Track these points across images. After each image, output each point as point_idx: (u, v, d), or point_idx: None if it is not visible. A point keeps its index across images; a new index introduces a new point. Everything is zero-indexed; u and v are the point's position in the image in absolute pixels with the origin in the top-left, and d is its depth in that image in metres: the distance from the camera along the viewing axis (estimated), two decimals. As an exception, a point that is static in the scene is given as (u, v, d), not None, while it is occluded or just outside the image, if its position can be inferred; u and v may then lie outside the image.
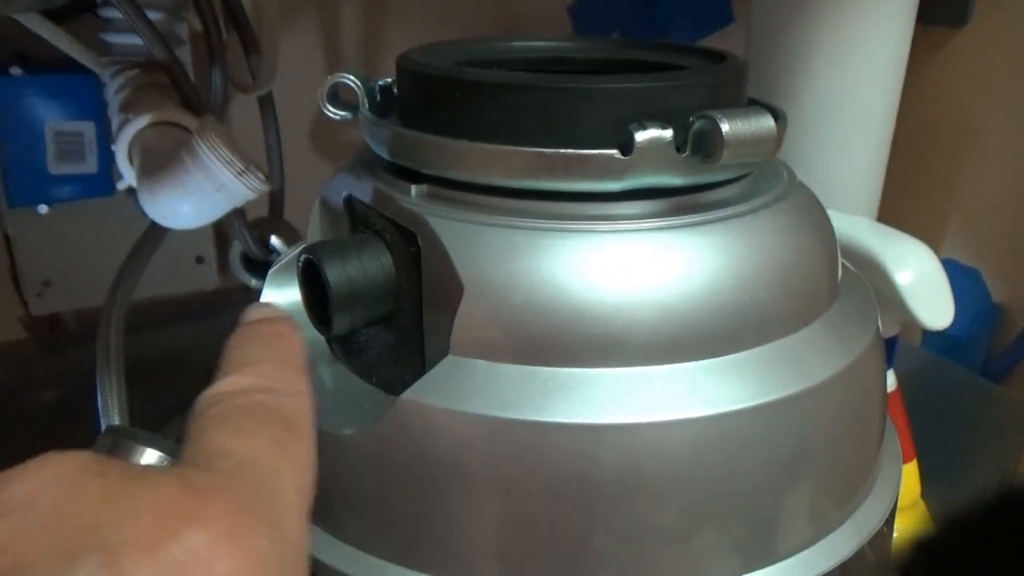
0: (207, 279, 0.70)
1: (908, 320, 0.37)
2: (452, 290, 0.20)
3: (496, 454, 0.19)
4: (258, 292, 0.60)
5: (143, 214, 0.60)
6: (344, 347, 0.25)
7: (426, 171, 0.22)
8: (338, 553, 0.21)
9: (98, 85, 0.55)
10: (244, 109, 0.62)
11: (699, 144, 0.20)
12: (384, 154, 0.23)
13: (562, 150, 0.20)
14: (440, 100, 0.22)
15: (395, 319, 0.23)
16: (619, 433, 0.19)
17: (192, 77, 0.53)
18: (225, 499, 0.13)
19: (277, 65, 0.53)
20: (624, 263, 0.20)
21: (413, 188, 0.22)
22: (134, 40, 0.50)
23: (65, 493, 0.12)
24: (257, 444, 0.15)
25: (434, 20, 0.75)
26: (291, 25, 0.71)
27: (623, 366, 0.20)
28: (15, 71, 0.53)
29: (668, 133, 0.20)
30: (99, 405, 0.46)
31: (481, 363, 0.20)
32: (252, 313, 0.19)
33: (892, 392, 0.41)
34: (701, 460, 0.20)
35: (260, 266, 0.59)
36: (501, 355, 0.20)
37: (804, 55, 0.42)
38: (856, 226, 0.40)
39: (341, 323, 0.22)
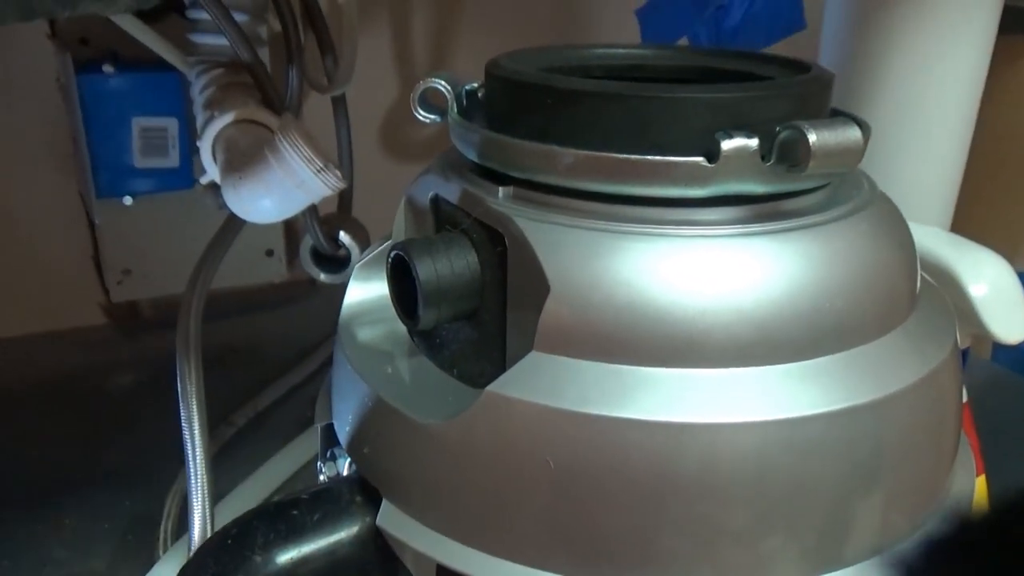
0: (276, 272, 0.73)
1: (981, 333, 0.36)
2: (538, 289, 0.21)
3: (576, 448, 0.20)
4: (326, 286, 0.62)
5: (220, 207, 0.63)
6: (427, 341, 0.26)
7: (513, 174, 0.23)
8: (420, 536, 0.22)
9: (182, 83, 0.57)
10: (316, 107, 0.64)
11: (784, 153, 0.20)
12: (472, 156, 0.24)
13: (649, 157, 0.21)
14: (530, 106, 0.23)
15: (478, 315, 0.24)
16: (697, 432, 0.20)
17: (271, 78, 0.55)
18: None
19: (354, 67, 0.55)
20: (705, 267, 0.21)
21: (500, 190, 0.23)
22: (220, 41, 0.52)
23: None
24: None
25: (504, 24, 0.76)
26: (363, 26, 0.72)
27: (703, 367, 0.21)
28: (107, 68, 0.55)
29: (754, 142, 0.20)
30: (178, 390, 0.48)
31: (564, 359, 0.21)
32: None
33: (963, 404, 0.41)
34: (775, 462, 0.20)
35: (329, 260, 0.61)
36: (584, 352, 0.21)
37: (880, 63, 0.42)
38: (930, 236, 0.39)
39: (428, 318, 0.23)
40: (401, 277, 0.23)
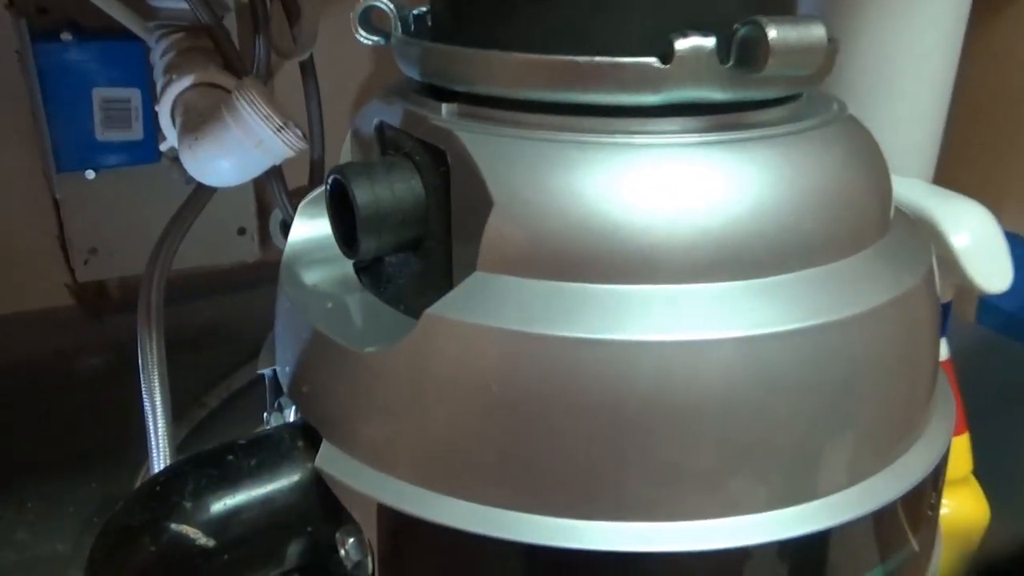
0: (249, 251, 0.71)
1: (964, 283, 0.35)
2: (481, 205, 0.19)
3: (524, 370, 0.19)
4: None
5: (188, 182, 0.61)
6: (372, 276, 0.24)
7: (457, 87, 0.22)
8: (360, 476, 0.21)
9: (145, 52, 0.56)
10: (288, 82, 0.62)
11: (744, 54, 0.19)
12: (415, 74, 0.23)
13: (597, 58, 0.19)
14: (471, 11, 0.21)
15: (423, 245, 0.22)
16: (652, 350, 0.18)
17: (237, 46, 0.53)
18: None
19: (317, 29, 0.53)
20: (660, 178, 0.19)
21: (444, 107, 0.22)
22: (180, 4, 0.51)
23: None
24: None
25: None
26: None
27: (658, 284, 0.19)
28: (65, 36, 0.54)
29: (711, 41, 0.19)
30: (139, 370, 0.46)
31: (510, 279, 0.19)
32: None
33: (944, 362, 0.39)
34: (737, 382, 0.19)
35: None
36: (530, 271, 0.19)
37: (856, 15, 0.41)
38: (911, 187, 0.38)
39: (368, 246, 0.21)
40: (340, 205, 0.22)
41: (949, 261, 0.35)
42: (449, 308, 0.19)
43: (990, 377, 0.46)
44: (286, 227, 0.60)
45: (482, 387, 0.19)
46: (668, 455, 0.19)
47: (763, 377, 0.19)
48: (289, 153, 0.42)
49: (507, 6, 0.20)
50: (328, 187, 0.22)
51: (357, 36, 0.24)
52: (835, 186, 0.20)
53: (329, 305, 0.23)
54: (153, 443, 0.45)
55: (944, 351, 0.39)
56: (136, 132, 0.58)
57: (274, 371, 0.26)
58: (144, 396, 0.46)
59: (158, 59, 0.50)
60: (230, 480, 0.22)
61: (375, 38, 0.24)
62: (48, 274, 0.66)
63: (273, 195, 0.57)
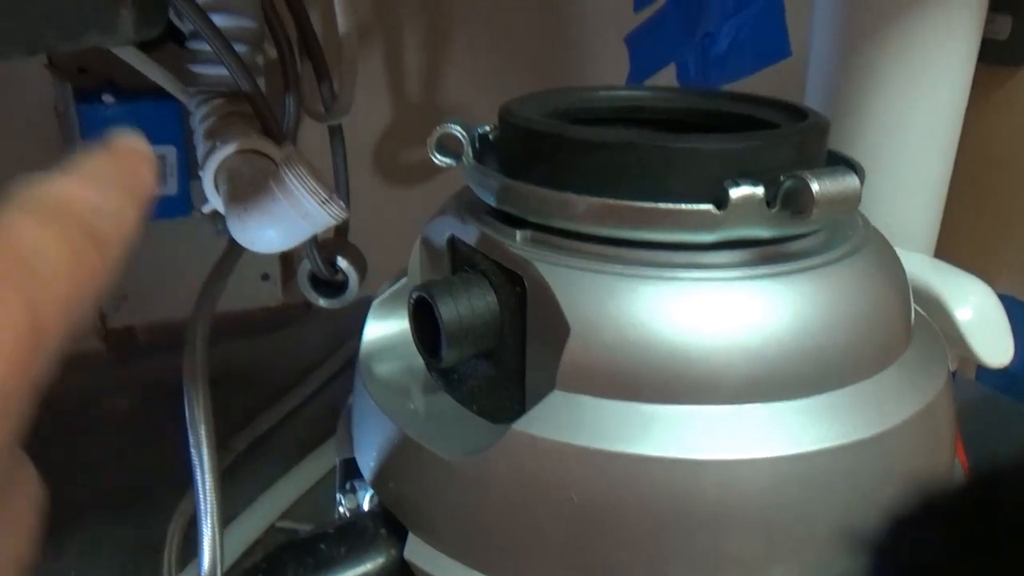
0: (272, 295, 0.73)
1: (968, 356, 0.38)
2: (559, 330, 0.22)
3: (596, 483, 0.21)
4: (322, 310, 0.62)
5: (218, 234, 0.63)
6: (446, 376, 0.27)
7: (530, 218, 0.24)
8: (446, 568, 0.23)
9: (180, 111, 0.58)
10: (309, 132, 0.64)
11: (789, 201, 0.22)
12: (490, 201, 0.25)
13: (660, 204, 0.22)
14: (545, 154, 0.24)
15: (496, 352, 0.25)
16: (712, 468, 0.21)
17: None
18: None
19: (353, 99, 0.56)
20: (715, 309, 0.22)
21: (518, 234, 0.24)
22: (219, 71, 0.53)
23: None
24: (48, 235, 0.14)
25: (496, 47, 0.77)
26: (358, 51, 0.73)
27: (714, 403, 0.22)
28: (107, 99, 0.56)
29: (760, 190, 0.22)
30: (186, 415, 0.48)
31: (584, 398, 0.22)
32: (118, 141, 0.17)
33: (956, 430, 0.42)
34: (784, 495, 0.21)
35: (326, 285, 0.62)
36: (602, 391, 0.22)
37: (864, 92, 0.44)
38: (915, 262, 0.41)
39: (450, 357, 0.24)
40: (423, 317, 0.24)
41: (953, 335, 0.38)
42: (533, 424, 0.22)
43: (991, 435, 0.49)
44: (314, 278, 0.62)
45: (563, 497, 0.21)
46: (721, 549, 0.21)
47: (809, 488, 0.21)
48: (332, 223, 0.45)
49: (580, 155, 0.23)
50: (412, 302, 0.25)
51: (432, 158, 0.27)
52: (865, 312, 0.23)
53: (411, 407, 0.26)
54: (201, 496, 0.47)
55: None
56: (171, 187, 0.60)
57: (349, 458, 0.28)
58: (192, 449, 0.48)
59: (198, 124, 0.53)
60: (325, 567, 0.24)
61: (448, 160, 0.27)
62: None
63: (302, 248, 0.59)
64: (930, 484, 0.24)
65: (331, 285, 0.63)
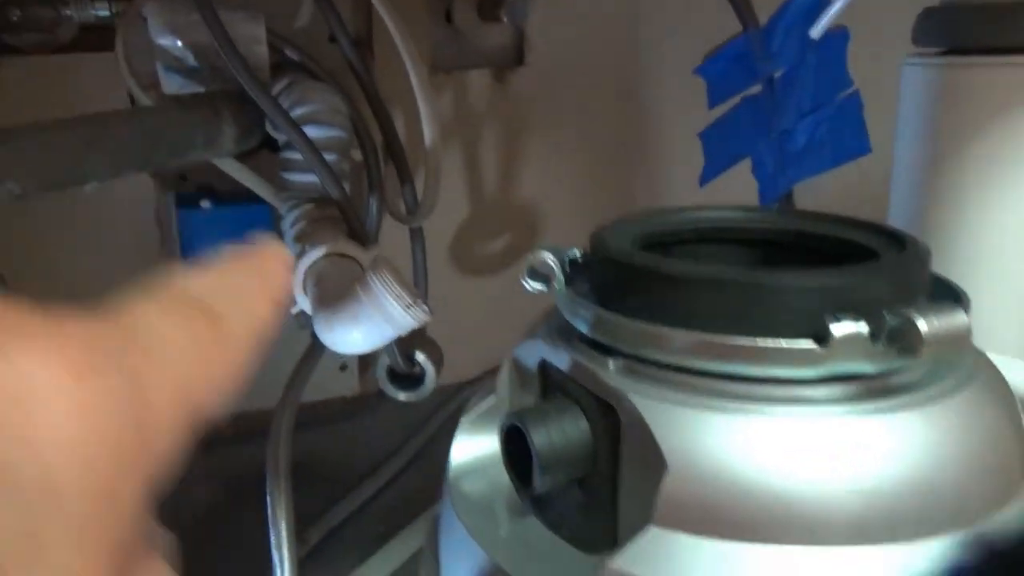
0: (348, 385, 0.75)
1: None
2: (654, 465, 0.22)
3: (699, 628, 0.21)
4: (400, 403, 0.63)
5: (302, 327, 0.65)
6: (536, 501, 0.27)
7: (624, 349, 0.24)
8: None
9: (272, 214, 0.61)
10: (389, 229, 0.66)
11: (895, 338, 0.21)
12: (583, 329, 0.26)
13: (759, 341, 0.22)
14: (639, 287, 0.24)
15: (589, 480, 0.25)
16: (822, 617, 0.20)
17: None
18: (89, 336, 0.12)
19: (436, 203, 0.58)
20: (818, 447, 0.21)
21: (611, 363, 0.24)
22: (310, 178, 0.56)
23: None
24: (168, 321, 0.13)
25: (568, 144, 0.79)
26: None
27: (819, 545, 0.21)
28: (205, 204, 0.59)
29: (864, 327, 0.21)
30: (268, 511, 0.49)
31: (682, 536, 0.21)
32: (261, 246, 0.17)
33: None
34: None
35: (404, 378, 0.63)
36: (701, 529, 0.21)
37: (954, 193, 0.43)
38: (1015, 371, 0.39)
39: (543, 485, 0.24)
40: (515, 444, 0.24)
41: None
42: (629, 561, 0.21)
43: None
44: (391, 371, 0.63)
45: (663, 641, 0.21)
46: None
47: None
48: (415, 326, 0.46)
49: (675, 288, 0.23)
50: (504, 430, 0.25)
51: (524, 285, 0.27)
52: (978, 448, 0.22)
53: (500, 532, 0.26)
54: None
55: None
56: (259, 285, 0.62)
57: (437, 578, 0.28)
58: (272, 541, 0.48)
59: (289, 228, 0.55)
60: None
61: (539, 286, 0.27)
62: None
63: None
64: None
65: (409, 378, 0.64)
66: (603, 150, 0.81)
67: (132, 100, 0.58)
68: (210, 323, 0.14)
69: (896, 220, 0.46)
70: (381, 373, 0.65)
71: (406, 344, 0.62)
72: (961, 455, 0.22)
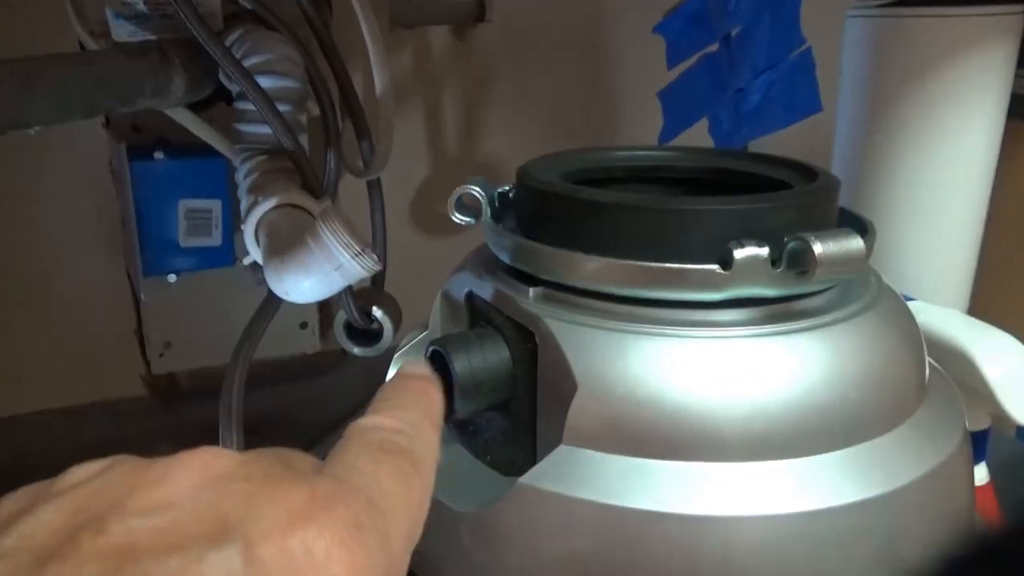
0: (309, 343, 0.75)
1: (998, 414, 0.37)
2: (566, 386, 0.23)
3: (602, 537, 0.21)
4: (357, 357, 0.64)
5: (259, 284, 0.65)
6: (460, 428, 0.27)
7: (542, 276, 0.25)
8: (456, 620, 0.23)
9: (226, 167, 0.61)
10: (349, 186, 0.66)
11: (793, 261, 0.22)
12: (505, 259, 0.26)
13: (668, 264, 0.23)
14: (557, 214, 0.25)
15: (509, 406, 0.25)
16: (717, 525, 0.21)
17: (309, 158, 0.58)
18: (346, 509, 0.15)
19: (389, 155, 0.58)
20: (722, 368, 0.22)
21: (531, 291, 0.25)
22: (263, 130, 0.55)
23: (217, 491, 0.15)
24: (383, 470, 0.17)
25: (528, 102, 0.79)
26: (395, 106, 0.76)
27: (721, 461, 0.22)
28: (158, 156, 0.59)
29: (764, 251, 0.22)
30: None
31: (592, 453, 0.22)
32: (407, 368, 0.21)
33: (984, 486, 0.41)
34: (791, 554, 0.21)
35: (362, 334, 0.63)
36: (609, 447, 0.22)
37: (893, 149, 0.44)
38: (946, 319, 0.40)
39: (463, 409, 0.25)
40: (439, 370, 0.25)
41: (984, 392, 0.37)
42: (540, 478, 0.22)
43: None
44: (349, 327, 0.64)
45: (568, 550, 0.22)
46: (730, 607, 0.21)
47: (817, 547, 0.21)
48: (364, 275, 0.46)
49: (591, 216, 0.24)
50: (427, 355, 0.25)
51: (452, 217, 0.28)
52: (875, 370, 0.23)
53: (425, 457, 0.26)
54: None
55: (983, 475, 0.41)
56: (215, 239, 0.62)
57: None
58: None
59: (242, 179, 0.55)
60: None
61: (468, 219, 0.28)
62: (124, 366, 0.70)
63: (338, 297, 0.60)
64: (947, 542, 0.24)
65: (366, 334, 0.64)
66: (564, 106, 0.81)
67: (82, 48, 0.57)
68: (410, 464, 0.17)
69: (838, 167, 0.47)
70: (339, 328, 0.66)
71: (364, 300, 0.62)
72: (857, 377, 0.23)
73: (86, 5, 0.54)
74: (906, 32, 0.41)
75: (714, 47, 0.66)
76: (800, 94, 0.61)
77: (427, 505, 0.18)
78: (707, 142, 0.65)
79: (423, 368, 0.21)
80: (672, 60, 0.69)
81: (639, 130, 0.79)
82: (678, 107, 0.71)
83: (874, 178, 0.43)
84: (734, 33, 0.62)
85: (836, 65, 0.51)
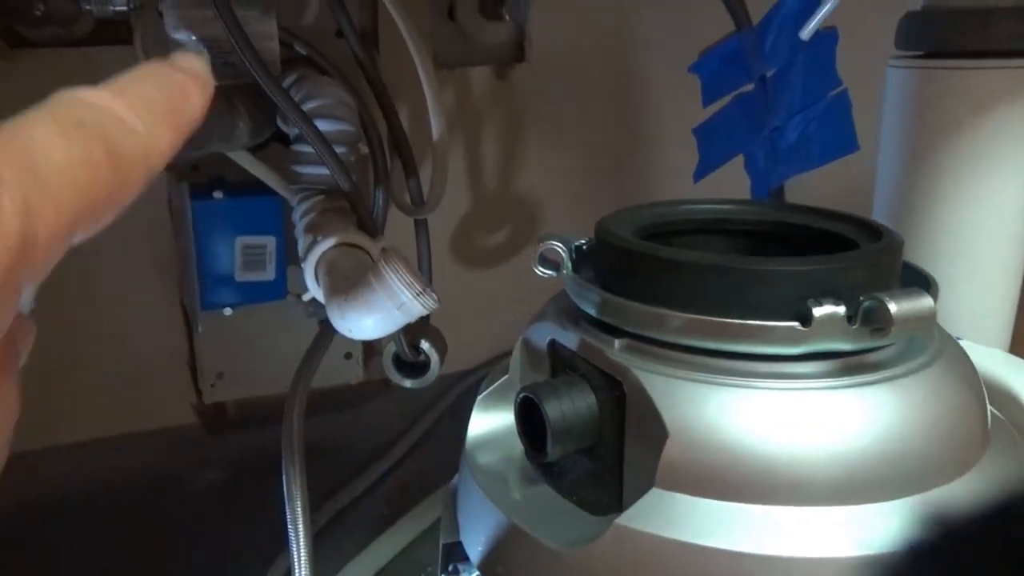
0: (353, 373, 0.77)
1: (1046, 452, 0.39)
2: (657, 433, 0.24)
3: (694, 575, 0.23)
4: (397, 386, 0.65)
5: (309, 316, 0.68)
6: (547, 469, 0.29)
7: (627, 329, 0.27)
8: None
9: (281, 205, 0.63)
10: (393, 220, 0.69)
11: (868, 318, 0.24)
12: (590, 311, 0.28)
13: (751, 321, 0.24)
14: (641, 271, 0.27)
15: (596, 449, 0.27)
16: (801, 565, 0.23)
17: (358, 196, 0.60)
18: None
19: (442, 197, 0.60)
20: (800, 418, 0.24)
21: (616, 342, 0.27)
22: (320, 170, 0.58)
23: None
24: (60, 144, 0.13)
25: (566, 139, 0.81)
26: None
27: (801, 505, 0.24)
28: (218, 195, 0.61)
29: (841, 309, 0.24)
30: (284, 488, 0.51)
31: (681, 496, 0.24)
32: (178, 58, 0.17)
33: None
34: (873, 591, 0.23)
35: (410, 366, 0.65)
36: (697, 490, 0.24)
37: (933, 193, 0.46)
38: (990, 358, 0.42)
39: (555, 453, 0.26)
40: (529, 415, 0.27)
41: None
42: (636, 519, 0.24)
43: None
44: (397, 359, 0.66)
45: (663, 588, 0.23)
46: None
47: (894, 587, 0.23)
48: (424, 313, 0.48)
49: (676, 275, 0.26)
50: (519, 401, 0.27)
51: (536, 271, 0.30)
52: (942, 420, 0.25)
53: (517, 497, 0.28)
54: (295, 559, 0.49)
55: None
56: (269, 274, 0.64)
57: (454, 542, 0.31)
58: (288, 517, 0.51)
59: (299, 219, 0.57)
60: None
61: (550, 272, 0.30)
62: (176, 395, 0.73)
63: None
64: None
65: (414, 366, 0.66)
66: (601, 144, 0.83)
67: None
68: (106, 148, 0.14)
69: (880, 213, 0.49)
70: (387, 361, 0.68)
71: (412, 333, 0.64)
72: (925, 427, 0.25)
73: (153, 53, 0.57)
74: (946, 83, 0.43)
75: (749, 86, 0.68)
76: (836, 134, 0.62)
77: (113, 207, 0.15)
78: (742, 180, 0.67)
79: (196, 63, 0.17)
80: (707, 99, 0.71)
81: (674, 164, 0.81)
82: (713, 145, 0.73)
83: (917, 223, 0.45)
84: (770, 74, 0.64)
85: (874, 106, 0.53)
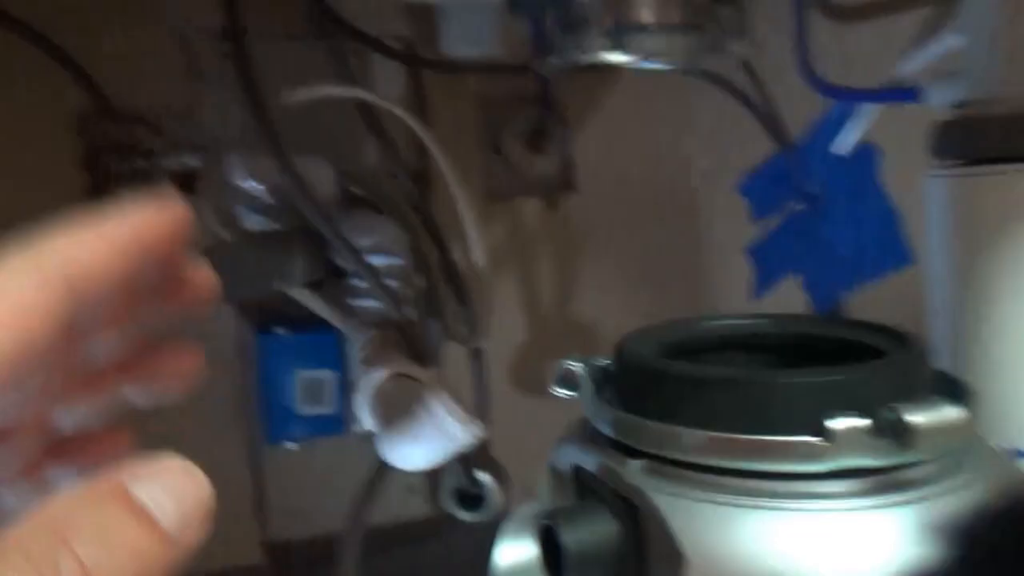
0: (417, 508, 0.76)
1: None
2: (675, 558, 0.23)
3: None
4: (464, 523, 0.64)
5: (371, 450, 0.68)
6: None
7: (645, 449, 0.26)
8: None
9: (339, 339, 0.65)
10: (454, 350, 0.70)
11: (891, 432, 0.23)
12: (607, 432, 0.28)
13: (767, 436, 0.24)
14: (656, 388, 0.26)
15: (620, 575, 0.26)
16: None
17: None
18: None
19: (490, 325, 0.61)
20: (827, 541, 0.23)
21: (632, 463, 0.26)
22: (375, 303, 0.60)
23: None
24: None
25: (619, 263, 0.82)
26: (494, 274, 0.80)
27: (838, 637, 0.22)
28: (280, 331, 0.64)
29: (863, 422, 0.23)
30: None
31: (705, 628, 0.23)
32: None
33: None
34: None
35: (470, 498, 0.64)
36: (722, 621, 0.22)
37: (983, 299, 0.44)
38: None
39: (574, 582, 0.25)
40: (549, 543, 0.26)
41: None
42: (655, 654, 0.23)
43: None
44: (458, 493, 0.65)
45: None
46: None
47: None
48: (471, 442, 0.48)
49: (688, 391, 0.25)
50: (539, 529, 0.27)
51: (554, 392, 0.30)
52: (984, 545, 0.23)
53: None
54: None
55: None
56: (329, 407, 0.66)
57: None
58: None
59: (358, 351, 0.59)
60: None
61: (570, 393, 0.30)
62: (241, 534, 0.73)
63: (446, 463, 0.62)
64: None
65: (474, 499, 0.65)
66: (656, 268, 0.84)
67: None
68: None
69: (935, 325, 0.47)
70: (446, 492, 0.67)
71: (470, 464, 0.64)
72: (963, 552, 0.23)
73: (217, 200, 0.62)
74: (986, 191, 0.42)
75: (799, 204, 0.68)
76: (889, 247, 0.61)
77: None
78: (797, 292, 0.66)
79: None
80: (759, 212, 0.71)
81: (730, 285, 0.80)
82: (767, 264, 0.72)
83: (970, 329, 0.43)
84: (817, 191, 0.64)
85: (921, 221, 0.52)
